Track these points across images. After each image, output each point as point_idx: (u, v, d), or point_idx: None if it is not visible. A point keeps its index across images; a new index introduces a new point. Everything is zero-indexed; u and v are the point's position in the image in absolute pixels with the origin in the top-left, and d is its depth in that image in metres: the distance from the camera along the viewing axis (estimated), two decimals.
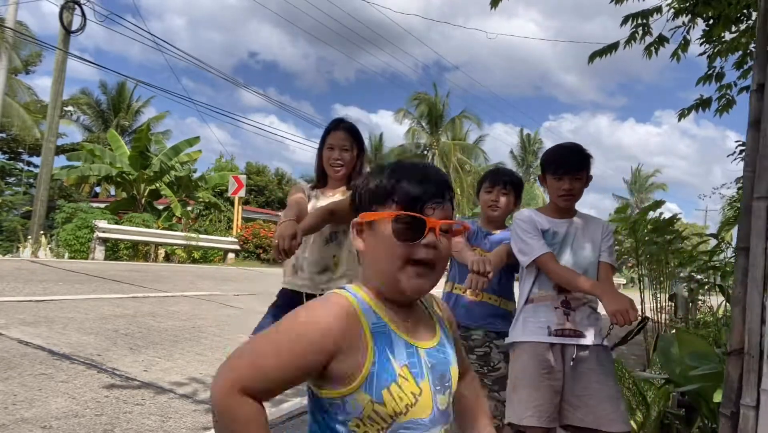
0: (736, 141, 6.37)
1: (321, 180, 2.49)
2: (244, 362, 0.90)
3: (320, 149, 2.45)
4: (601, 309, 2.18)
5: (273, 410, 3.26)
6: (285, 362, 0.89)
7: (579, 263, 2.20)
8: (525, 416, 2.06)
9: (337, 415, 0.94)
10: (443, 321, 1.12)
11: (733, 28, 4.05)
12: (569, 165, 2.18)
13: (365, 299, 0.99)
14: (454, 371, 1.06)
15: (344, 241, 2.35)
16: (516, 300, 2.57)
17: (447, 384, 1.03)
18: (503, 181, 2.56)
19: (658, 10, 3.89)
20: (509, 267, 2.48)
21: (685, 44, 4.12)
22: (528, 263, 2.20)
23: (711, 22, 4.02)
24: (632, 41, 4.02)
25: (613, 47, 4.06)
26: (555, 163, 2.21)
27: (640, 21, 3.92)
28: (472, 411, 1.20)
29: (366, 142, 3.38)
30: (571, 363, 2.11)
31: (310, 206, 2.38)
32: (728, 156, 6.37)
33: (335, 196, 2.39)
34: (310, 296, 2.30)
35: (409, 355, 0.97)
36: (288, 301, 2.37)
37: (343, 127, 2.43)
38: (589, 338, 2.14)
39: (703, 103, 4.59)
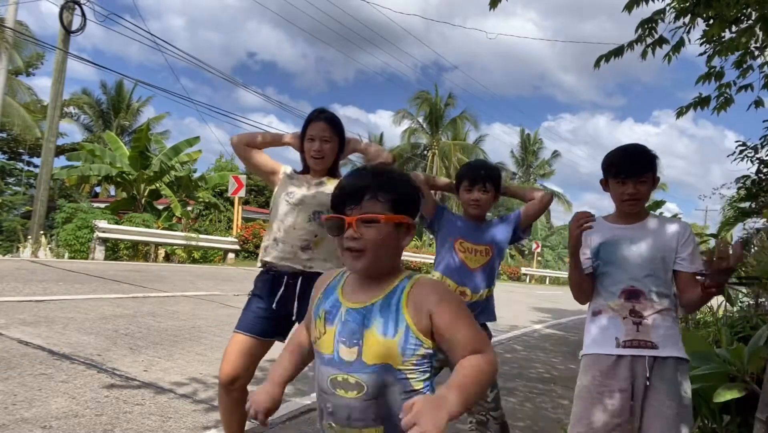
0: (736, 141, 6.36)
1: (305, 167, 2.49)
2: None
3: (301, 140, 2.43)
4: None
5: None
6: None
7: (640, 270, 2.04)
8: (575, 431, 2.02)
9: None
10: (403, 302, 1.24)
11: (734, 28, 4.04)
12: (634, 168, 2.03)
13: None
14: (369, 334, 1.23)
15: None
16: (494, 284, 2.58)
17: (355, 341, 1.24)
18: (481, 180, 2.53)
19: (663, 12, 3.90)
20: (500, 254, 2.54)
21: (677, 46, 4.11)
22: None
23: (710, 22, 4.01)
24: (637, 44, 4.01)
25: (619, 51, 4.04)
26: (617, 166, 2.06)
27: (648, 25, 3.91)
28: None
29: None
30: (647, 378, 1.96)
31: (292, 189, 2.39)
32: (728, 156, 6.37)
33: (321, 181, 2.41)
34: (293, 276, 2.30)
35: (332, 306, 1.32)
36: (268, 286, 2.34)
37: (323, 117, 2.40)
38: (662, 350, 1.98)
39: (701, 102, 4.58)
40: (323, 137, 2.36)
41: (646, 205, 2.16)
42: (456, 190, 2.64)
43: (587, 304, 2.19)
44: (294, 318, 2.31)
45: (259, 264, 2.46)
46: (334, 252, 2.31)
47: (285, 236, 2.35)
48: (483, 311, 2.50)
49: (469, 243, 2.51)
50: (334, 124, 2.40)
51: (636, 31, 3.91)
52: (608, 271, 2.10)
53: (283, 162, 2.55)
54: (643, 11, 3.88)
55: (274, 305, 2.30)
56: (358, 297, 1.28)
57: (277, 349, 2.36)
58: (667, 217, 2.27)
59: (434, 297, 1.22)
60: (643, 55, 4.06)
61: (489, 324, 2.56)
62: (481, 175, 2.54)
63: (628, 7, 3.84)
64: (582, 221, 2.00)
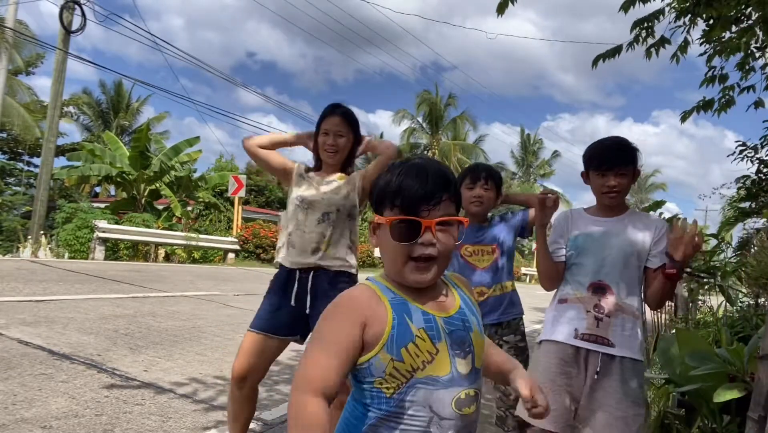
0: (736, 141, 6.36)
1: (317, 164, 2.50)
2: (306, 368, 1.03)
3: (316, 134, 2.44)
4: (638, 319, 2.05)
5: (273, 410, 3.26)
6: (334, 351, 1.03)
7: (611, 265, 2.04)
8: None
9: (364, 377, 1.07)
10: (464, 293, 1.19)
11: (734, 28, 4.04)
12: (614, 160, 2.04)
13: (384, 283, 1.13)
14: (476, 337, 1.13)
15: (336, 222, 2.35)
16: (512, 278, 2.60)
17: (468, 349, 1.11)
18: (483, 177, 2.55)
19: (662, 12, 3.89)
20: (508, 252, 2.54)
21: (684, 46, 4.12)
22: None
23: (711, 22, 4.01)
24: (635, 44, 4.01)
25: (616, 51, 4.04)
26: (598, 158, 2.08)
27: (645, 25, 3.91)
28: (506, 367, 1.28)
29: None
30: (596, 374, 1.98)
31: (303, 188, 2.41)
32: (728, 156, 6.37)
33: (332, 179, 2.41)
34: (303, 271, 2.32)
35: (426, 321, 1.08)
36: (281, 283, 2.37)
37: (338, 112, 2.40)
38: (619, 349, 2.00)
39: (705, 105, 4.58)
40: (337, 132, 2.37)
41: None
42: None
43: (553, 291, 2.21)
44: (308, 311, 2.31)
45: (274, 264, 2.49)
46: (344, 250, 2.35)
47: (296, 239, 2.36)
48: (510, 304, 2.52)
49: (474, 246, 2.52)
50: (349, 118, 2.41)
51: (631, 30, 3.91)
52: (580, 262, 2.11)
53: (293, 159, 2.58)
54: (640, 11, 3.88)
55: (292, 302, 2.31)
56: (438, 302, 1.13)
57: (293, 347, 2.37)
58: (645, 213, 2.27)
59: (467, 286, 1.26)
60: (648, 55, 4.05)
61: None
62: (483, 172, 2.58)
63: (624, 8, 3.85)
64: (542, 196, 2.07)
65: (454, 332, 1.10)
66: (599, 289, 2.07)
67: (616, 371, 1.99)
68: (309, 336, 1.08)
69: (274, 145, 2.56)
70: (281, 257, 2.41)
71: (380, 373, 1.05)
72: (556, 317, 2.12)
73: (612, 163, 2.04)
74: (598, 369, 1.98)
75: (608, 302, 2.03)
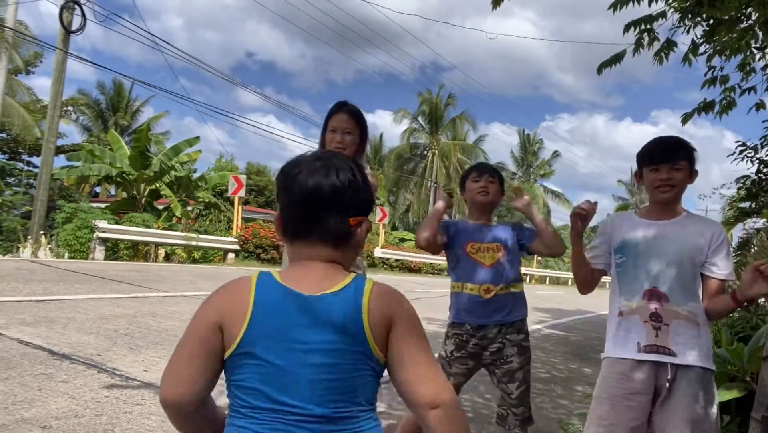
0: (736, 141, 6.37)
1: None
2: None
3: (323, 133, 2.43)
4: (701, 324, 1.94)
5: None
6: None
7: (666, 271, 1.96)
8: (594, 430, 1.97)
9: None
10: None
11: (735, 29, 4.04)
12: (666, 153, 1.97)
13: None
14: None
15: None
16: (522, 280, 2.60)
17: None
18: (489, 171, 2.58)
19: (663, 15, 3.89)
20: (513, 252, 2.52)
21: (695, 48, 4.12)
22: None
23: (711, 22, 4.01)
24: (640, 48, 4.01)
25: (620, 57, 4.04)
26: (650, 153, 2.01)
27: (644, 27, 3.91)
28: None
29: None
30: (667, 385, 1.89)
31: None
32: (728, 156, 6.38)
33: None
34: None
35: None
36: None
37: (346, 110, 2.39)
38: (685, 357, 1.90)
39: (706, 107, 4.57)
40: (345, 129, 2.36)
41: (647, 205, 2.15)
42: (462, 189, 2.66)
43: (591, 294, 2.19)
44: None
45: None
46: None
47: None
48: (517, 305, 2.51)
49: (479, 243, 2.52)
50: (357, 116, 2.40)
51: (625, 31, 3.90)
52: (630, 268, 2.03)
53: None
54: (631, 11, 3.88)
55: None
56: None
57: None
58: (702, 216, 2.16)
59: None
60: (660, 61, 4.06)
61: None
62: (488, 168, 2.65)
63: (614, 6, 3.86)
64: (578, 209, 2.01)
65: None
66: (654, 296, 1.98)
67: (686, 382, 1.90)
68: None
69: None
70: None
71: None
72: (616, 332, 2.04)
73: (664, 156, 1.97)
74: (669, 378, 1.90)
75: (664, 309, 1.94)
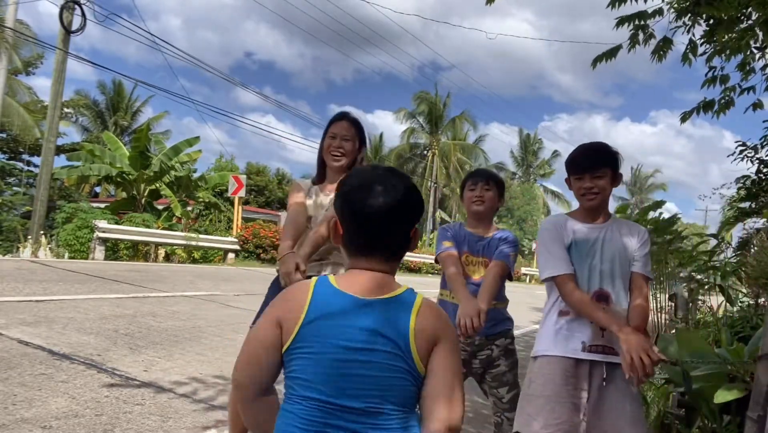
0: (736, 141, 6.37)
1: (320, 172, 2.51)
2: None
3: (322, 139, 2.47)
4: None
5: None
6: None
7: (607, 272, 2.08)
8: (537, 429, 1.98)
9: None
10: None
11: (734, 29, 4.04)
12: (587, 162, 2.09)
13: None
14: None
15: None
16: (506, 299, 2.57)
17: None
18: (485, 178, 2.57)
19: (659, 12, 3.89)
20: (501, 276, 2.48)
21: (693, 47, 4.12)
22: (544, 278, 2.13)
23: (711, 22, 4.01)
24: (636, 45, 4.02)
25: (615, 51, 4.05)
26: (575, 162, 2.13)
27: (638, 23, 3.91)
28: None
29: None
30: (603, 382, 2.00)
31: (309, 203, 2.41)
32: (728, 156, 6.38)
33: (333, 188, 2.41)
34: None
35: None
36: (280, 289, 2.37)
37: (347, 118, 2.47)
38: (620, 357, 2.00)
39: (705, 106, 4.58)
40: (344, 136, 2.42)
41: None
42: (461, 195, 2.68)
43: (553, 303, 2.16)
44: None
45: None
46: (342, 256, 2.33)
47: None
48: (504, 320, 2.53)
49: (473, 256, 2.52)
50: (356, 125, 2.47)
51: (616, 27, 3.90)
52: (577, 271, 2.09)
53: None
54: (632, 8, 3.88)
55: None
56: None
57: None
58: (626, 220, 2.31)
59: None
60: (659, 59, 4.06)
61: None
62: (484, 174, 2.62)
63: (612, 4, 3.86)
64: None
65: None
66: (602, 297, 2.06)
67: (619, 377, 1.98)
68: None
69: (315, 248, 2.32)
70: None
71: None
72: (558, 331, 2.08)
73: (587, 165, 2.09)
74: (604, 377, 2.00)
75: (610, 310, 2.02)
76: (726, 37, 3.93)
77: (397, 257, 1.21)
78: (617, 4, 3.84)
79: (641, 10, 3.88)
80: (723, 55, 4.28)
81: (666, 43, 4.04)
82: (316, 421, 1.09)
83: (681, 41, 4.17)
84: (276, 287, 2.38)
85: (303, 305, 1.13)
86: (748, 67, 4.45)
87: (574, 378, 2.01)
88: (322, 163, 2.49)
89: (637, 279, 2.09)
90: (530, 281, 29.50)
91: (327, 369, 1.10)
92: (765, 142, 6.05)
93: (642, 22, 3.91)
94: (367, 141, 2.61)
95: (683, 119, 4.65)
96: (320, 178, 2.51)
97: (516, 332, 2.72)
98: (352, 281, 1.17)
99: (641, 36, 3.98)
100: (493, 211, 2.60)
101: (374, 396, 1.10)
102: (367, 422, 1.09)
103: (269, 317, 1.17)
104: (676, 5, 3.93)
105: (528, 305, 13.95)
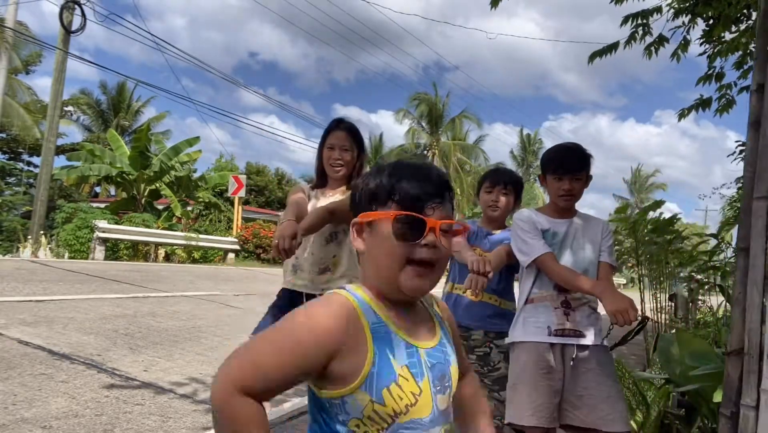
0: (737, 141, 6.38)
1: (320, 180, 2.49)
2: (244, 362, 0.91)
3: (320, 149, 2.45)
4: (601, 309, 2.17)
5: (273, 410, 3.26)
6: (285, 362, 0.90)
7: (579, 262, 2.20)
8: (525, 416, 2.07)
9: (337, 415, 0.94)
10: (443, 321, 1.13)
11: (733, 28, 4.05)
12: (569, 165, 2.18)
13: (365, 298, 0.99)
14: (454, 370, 1.06)
15: (344, 240, 2.35)
16: (516, 300, 2.58)
17: (447, 384, 1.03)
18: (503, 182, 2.57)
19: (658, 10, 3.89)
20: (509, 267, 2.48)
21: (685, 44, 4.13)
22: (528, 263, 2.21)
23: (711, 22, 4.02)
24: (632, 41, 4.03)
25: (612, 47, 4.06)
26: (555, 163, 2.21)
27: (640, 21, 3.92)
28: (472, 410, 1.21)
29: (366, 142, 3.39)
30: (571, 363, 2.11)
31: (310, 206, 2.39)
32: (728, 156, 6.39)
33: (335, 196, 2.39)
34: (310, 296, 2.31)
35: (409, 355, 0.97)
36: (288, 301, 2.37)
37: (343, 127, 2.43)
38: (589, 338, 2.15)
39: (703, 104, 4.59)
40: (343, 146, 2.39)
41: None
42: (477, 192, 2.68)
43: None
44: None
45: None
46: (353, 267, 2.32)
47: (302, 263, 2.36)
48: (505, 321, 2.47)
49: (481, 250, 2.52)
50: (354, 133, 2.44)
51: (621, 25, 3.91)
52: None
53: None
54: (635, 5, 3.90)
55: None
56: (419, 331, 1.03)
57: None
58: (590, 215, 2.41)
59: (444, 305, 1.20)
60: (648, 55, 4.06)
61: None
62: (504, 177, 2.60)
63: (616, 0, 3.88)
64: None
65: (435, 366, 1.01)
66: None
67: (590, 358, 2.12)
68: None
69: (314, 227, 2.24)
70: (287, 280, 2.39)
71: (357, 414, 0.92)
72: (525, 318, 2.20)
73: (568, 168, 2.18)
74: (573, 357, 2.11)
75: (573, 296, 2.17)
76: (724, 34, 3.94)
77: None
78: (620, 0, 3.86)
79: (645, 9, 3.89)
80: (724, 57, 4.29)
81: (660, 41, 4.04)
82: None
83: (680, 41, 4.18)
84: (278, 310, 2.36)
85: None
86: (745, 66, 4.46)
87: (545, 362, 2.11)
88: (322, 170, 2.46)
89: (604, 267, 2.23)
90: None
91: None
92: None
93: (644, 21, 3.92)
94: (368, 140, 2.58)
95: (681, 116, 4.66)
96: (321, 184, 2.49)
97: None
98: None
99: (640, 33, 3.99)
100: (508, 214, 2.61)
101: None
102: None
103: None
104: (675, 5, 3.94)
105: None
